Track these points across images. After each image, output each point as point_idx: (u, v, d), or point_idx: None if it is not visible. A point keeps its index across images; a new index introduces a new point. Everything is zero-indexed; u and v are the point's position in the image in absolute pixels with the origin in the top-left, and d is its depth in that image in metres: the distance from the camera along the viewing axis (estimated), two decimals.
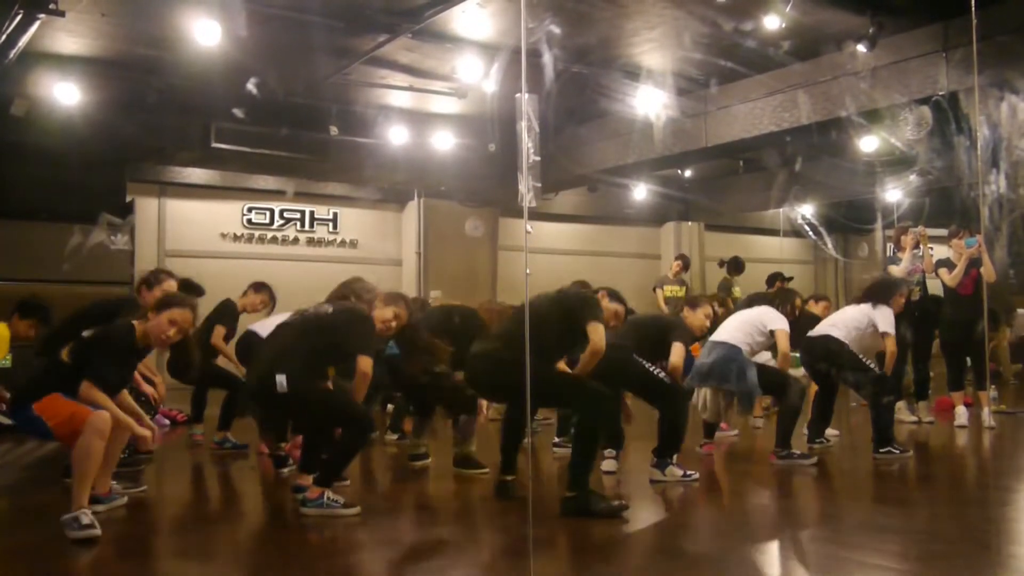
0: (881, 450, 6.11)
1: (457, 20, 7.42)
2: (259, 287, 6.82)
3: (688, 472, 5.38)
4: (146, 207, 10.23)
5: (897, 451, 6.08)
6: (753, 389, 6.03)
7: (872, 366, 6.13)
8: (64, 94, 8.32)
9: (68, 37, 7.72)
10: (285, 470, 5.68)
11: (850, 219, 12.86)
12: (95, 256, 8.55)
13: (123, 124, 8.91)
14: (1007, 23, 6.64)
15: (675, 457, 5.43)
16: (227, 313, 6.71)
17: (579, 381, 4.76)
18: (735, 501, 5.30)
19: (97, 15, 7.21)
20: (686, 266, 11.07)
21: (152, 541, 4.47)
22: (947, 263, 8.03)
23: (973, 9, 6.08)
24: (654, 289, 10.79)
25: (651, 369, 5.44)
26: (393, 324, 4.98)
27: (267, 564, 4.00)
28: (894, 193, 11.16)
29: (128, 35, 7.70)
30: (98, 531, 3.98)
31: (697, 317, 6.12)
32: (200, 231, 11.07)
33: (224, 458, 6.45)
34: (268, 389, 4.47)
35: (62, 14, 6.86)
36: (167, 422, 8.24)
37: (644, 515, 4.75)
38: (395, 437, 7.16)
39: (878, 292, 6.39)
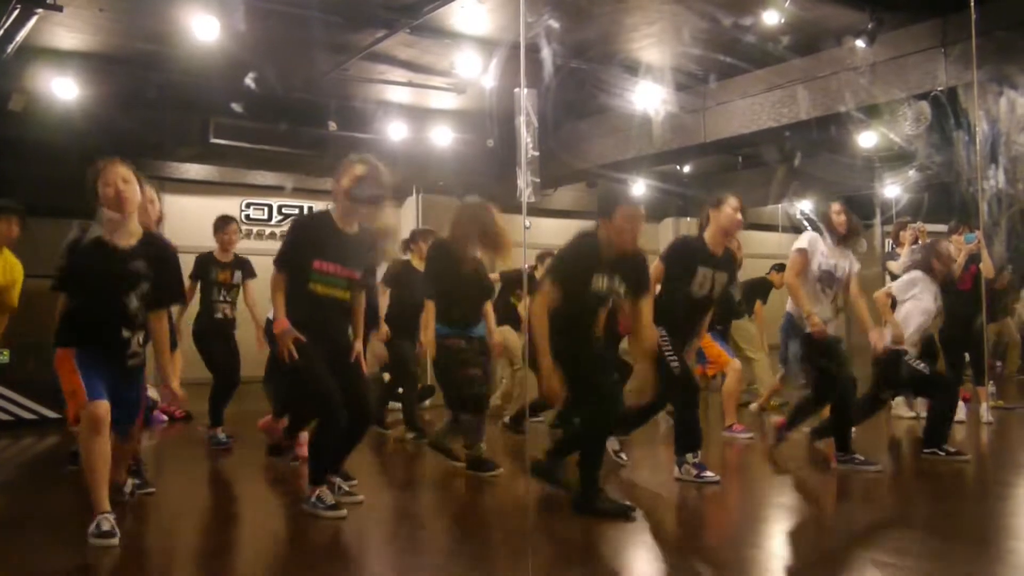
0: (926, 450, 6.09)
1: (456, 15, 7.41)
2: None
3: (704, 474, 5.27)
4: None
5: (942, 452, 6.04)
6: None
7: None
8: (62, 89, 8.30)
9: (66, 32, 7.71)
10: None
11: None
12: None
13: (121, 119, 8.88)
14: (1006, 18, 6.63)
15: (695, 454, 5.31)
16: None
17: (590, 377, 4.70)
18: (743, 495, 5.30)
19: (95, 10, 7.19)
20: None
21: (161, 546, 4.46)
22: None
23: (972, 5, 6.09)
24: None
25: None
26: None
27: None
28: (893, 189, 11.16)
29: (126, 30, 7.68)
30: (115, 541, 3.90)
31: None
32: (198, 226, 11.00)
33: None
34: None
35: (60, 9, 6.84)
36: (164, 418, 8.24)
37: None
38: (411, 436, 7.13)
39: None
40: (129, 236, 4.26)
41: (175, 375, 4.32)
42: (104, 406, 4.02)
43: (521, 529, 4.45)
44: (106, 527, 3.93)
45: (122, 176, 4.22)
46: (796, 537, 4.43)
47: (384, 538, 4.45)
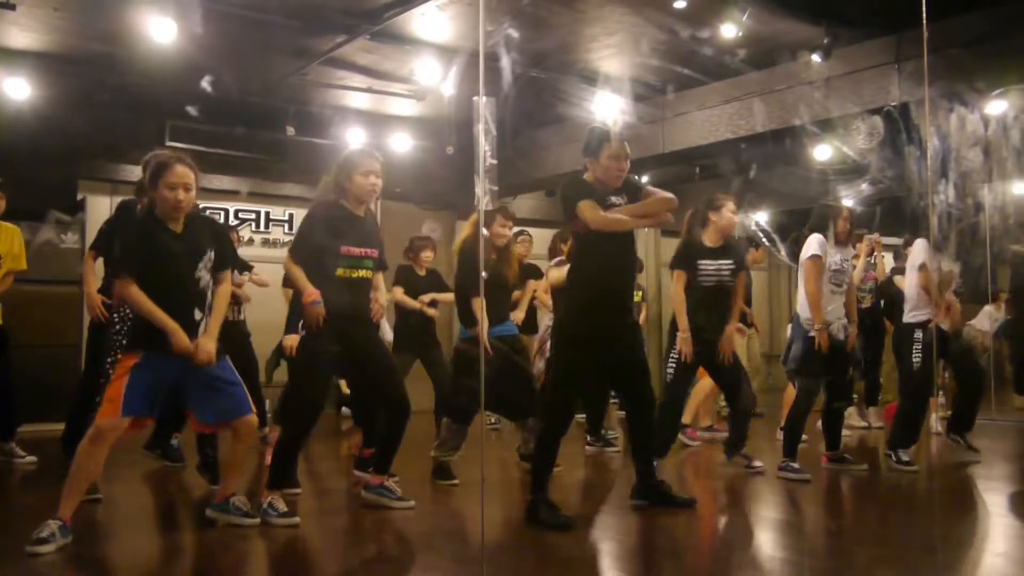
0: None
1: (416, 22, 7.40)
2: None
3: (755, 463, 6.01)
4: (97, 205, 10.03)
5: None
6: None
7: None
8: (14, 89, 8.17)
9: (19, 31, 7.59)
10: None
11: (803, 226, 12.98)
12: (44, 254, 8.40)
13: (75, 121, 8.76)
14: (957, 37, 6.76)
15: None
16: None
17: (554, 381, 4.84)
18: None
19: (49, 9, 7.09)
20: (640, 270, 11.12)
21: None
22: (902, 270, 8.17)
23: (924, 23, 6.19)
24: None
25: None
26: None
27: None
28: (846, 201, 11.29)
29: (81, 30, 7.58)
30: (48, 549, 3.82)
31: None
32: None
33: None
34: None
35: (13, 7, 6.74)
36: None
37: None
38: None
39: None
40: (178, 224, 4.28)
41: (213, 337, 4.26)
42: (121, 425, 3.95)
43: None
44: (44, 533, 3.86)
45: (185, 184, 4.19)
46: (748, 545, 4.47)
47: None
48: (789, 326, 7.61)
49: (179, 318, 4.13)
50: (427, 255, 7.36)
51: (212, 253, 4.33)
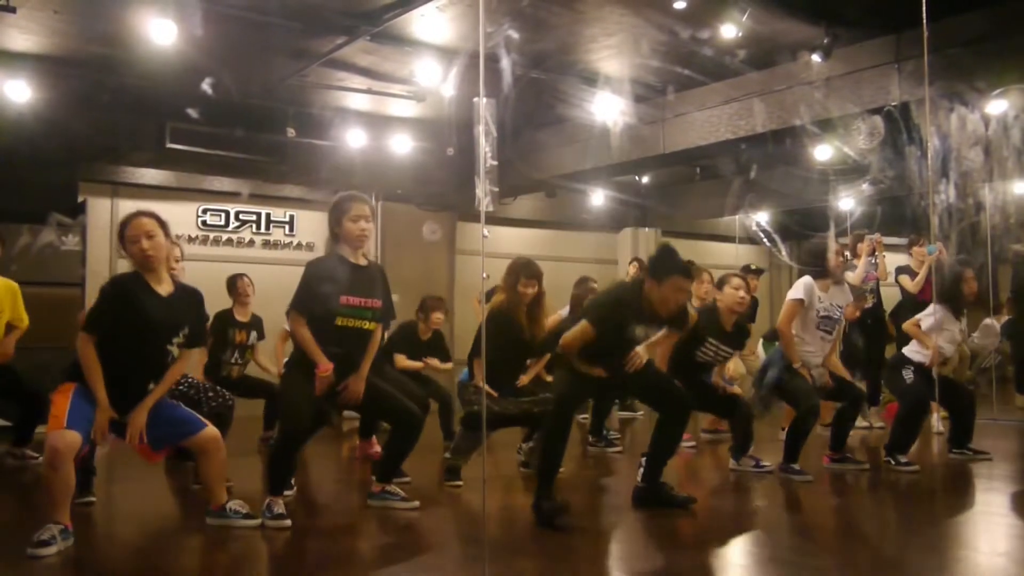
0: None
1: (416, 23, 7.40)
2: None
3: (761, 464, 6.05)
4: (98, 207, 10.05)
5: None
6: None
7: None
8: (15, 92, 8.16)
9: (19, 34, 7.58)
10: None
11: (804, 227, 12.96)
12: (44, 257, 8.41)
13: (75, 123, 8.76)
14: (957, 37, 6.76)
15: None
16: None
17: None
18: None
19: (50, 12, 7.08)
20: (642, 270, 11.10)
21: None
22: (907, 270, 8.19)
23: (924, 22, 6.20)
24: None
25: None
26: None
27: None
28: (847, 201, 11.31)
29: (81, 33, 7.57)
30: (49, 552, 3.83)
31: None
32: None
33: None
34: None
35: (13, 10, 6.73)
36: None
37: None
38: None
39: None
40: (164, 283, 4.35)
41: (145, 409, 4.30)
42: (73, 440, 3.95)
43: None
44: (45, 536, 3.88)
45: (146, 231, 4.26)
46: (745, 542, 4.47)
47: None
48: (760, 342, 7.63)
49: (132, 386, 4.24)
50: (438, 317, 7.36)
51: (188, 329, 4.40)
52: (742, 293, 6.10)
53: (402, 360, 7.13)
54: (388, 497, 4.99)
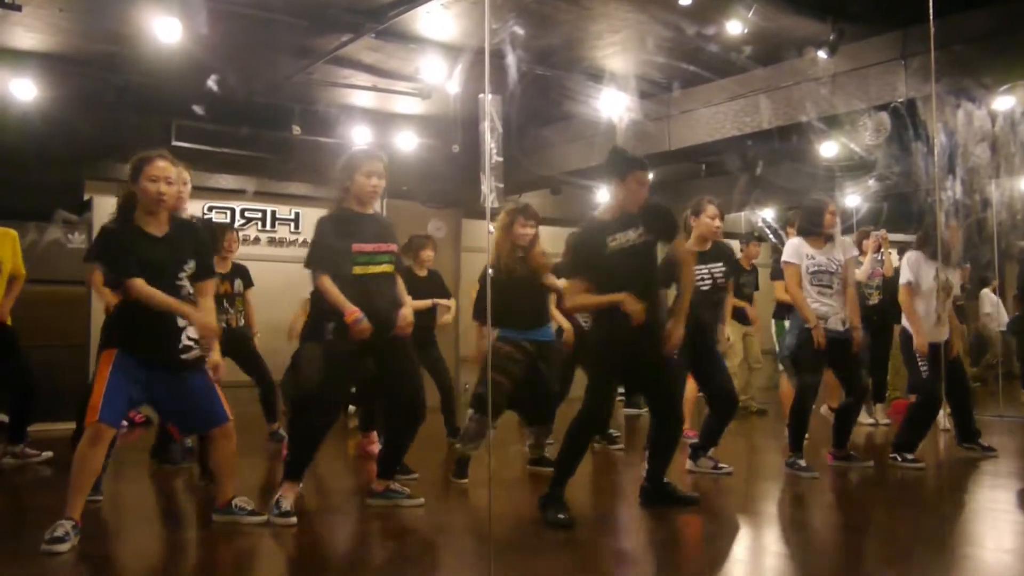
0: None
1: (421, 20, 7.39)
2: None
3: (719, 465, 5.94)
4: (104, 205, 10.04)
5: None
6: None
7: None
8: (20, 90, 8.17)
9: (25, 32, 7.59)
10: None
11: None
12: (50, 254, 8.43)
13: (81, 121, 8.76)
14: (964, 32, 6.73)
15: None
16: None
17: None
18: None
19: (55, 10, 7.09)
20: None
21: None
22: None
23: (931, 18, 6.18)
24: None
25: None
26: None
27: None
28: (853, 198, 11.29)
29: (87, 31, 7.58)
30: (64, 548, 3.83)
31: None
32: None
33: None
34: None
35: (19, 8, 6.74)
36: (125, 424, 8.12)
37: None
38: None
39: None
40: (162, 225, 4.30)
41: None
42: (108, 433, 3.99)
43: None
44: (59, 532, 3.88)
45: (167, 177, 4.25)
46: (756, 541, 4.46)
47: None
48: (772, 324, 7.76)
49: (163, 326, 4.18)
50: (427, 254, 7.32)
51: (193, 263, 4.34)
52: (717, 222, 6.02)
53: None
54: (392, 496, 4.95)
